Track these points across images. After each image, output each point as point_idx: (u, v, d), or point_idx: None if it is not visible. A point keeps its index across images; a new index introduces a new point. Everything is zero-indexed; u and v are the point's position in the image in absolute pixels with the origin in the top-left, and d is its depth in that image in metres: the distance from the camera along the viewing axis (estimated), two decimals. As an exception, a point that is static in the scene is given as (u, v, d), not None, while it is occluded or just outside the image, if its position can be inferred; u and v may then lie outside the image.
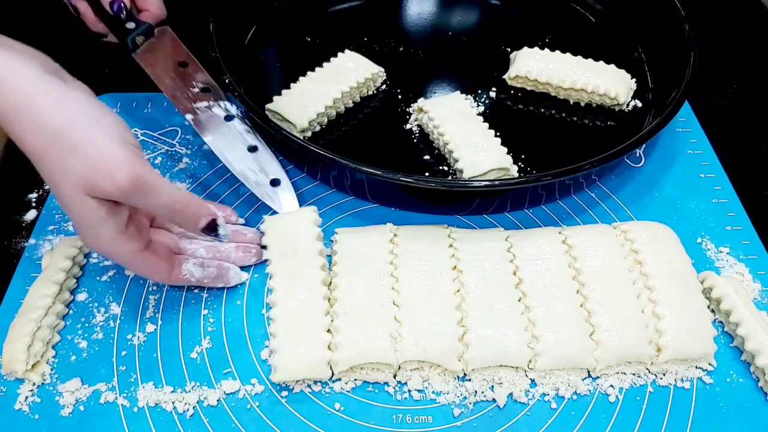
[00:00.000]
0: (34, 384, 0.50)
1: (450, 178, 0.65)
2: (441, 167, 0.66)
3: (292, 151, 0.66)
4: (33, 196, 0.65)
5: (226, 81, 0.63)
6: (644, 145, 0.69)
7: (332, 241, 0.59)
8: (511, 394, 0.51)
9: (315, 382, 0.51)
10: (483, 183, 0.60)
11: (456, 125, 0.65)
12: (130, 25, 0.64)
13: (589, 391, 0.51)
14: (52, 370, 0.52)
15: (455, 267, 0.56)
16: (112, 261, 0.58)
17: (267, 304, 0.56)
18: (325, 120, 0.70)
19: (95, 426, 0.49)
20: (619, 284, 0.54)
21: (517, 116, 0.72)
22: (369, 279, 0.54)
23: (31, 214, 0.63)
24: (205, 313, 0.55)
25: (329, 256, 0.59)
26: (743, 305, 0.53)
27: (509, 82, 0.75)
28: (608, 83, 0.71)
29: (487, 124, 0.66)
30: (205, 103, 0.63)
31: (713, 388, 0.52)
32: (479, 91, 0.74)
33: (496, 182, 0.60)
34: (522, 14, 0.85)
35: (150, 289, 0.57)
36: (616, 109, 0.73)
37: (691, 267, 0.57)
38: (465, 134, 0.64)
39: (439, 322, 0.51)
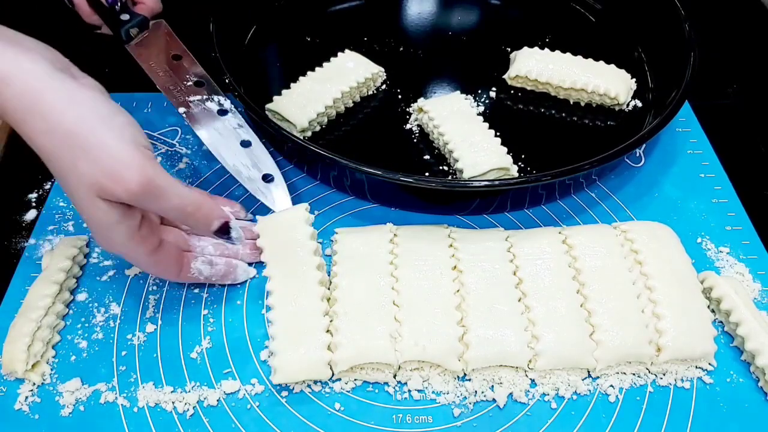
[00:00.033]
0: (34, 384, 0.50)
1: (450, 178, 0.65)
2: (441, 167, 0.66)
3: (292, 151, 0.66)
4: (33, 196, 0.65)
5: (226, 81, 0.63)
6: (644, 145, 0.69)
7: (332, 241, 0.59)
8: (511, 394, 0.51)
9: (315, 382, 0.51)
10: (483, 183, 0.60)
11: (456, 125, 0.65)
12: (125, 16, 0.64)
13: (589, 391, 0.51)
14: (52, 370, 0.51)
15: (455, 267, 0.56)
16: (113, 261, 0.58)
17: (266, 306, 0.56)
18: (325, 120, 0.70)
19: (95, 426, 0.49)
20: (619, 284, 0.54)
21: (517, 116, 0.72)
22: (369, 279, 0.54)
23: (31, 214, 0.63)
24: (205, 313, 0.55)
25: (329, 256, 0.59)
26: (743, 305, 0.53)
27: (509, 82, 0.75)
28: (608, 83, 0.71)
29: (487, 124, 0.66)
30: (198, 97, 0.63)
31: (713, 388, 0.52)
32: (479, 91, 0.74)
33: (496, 182, 0.60)
34: (522, 14, 0.85)
35: (150, 289, 0.57)
36: (616, 109, 0.73)
37: (691, 267, 0.57)
38: (465, 134, 0.64)
39: (439, 322, 0.51)
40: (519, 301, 0.53)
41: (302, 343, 0.50)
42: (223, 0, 0.72)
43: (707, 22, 0.85)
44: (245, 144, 0.62)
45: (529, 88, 0.75)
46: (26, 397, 0.50)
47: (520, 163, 0.66)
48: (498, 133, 0.65)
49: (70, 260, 0.56)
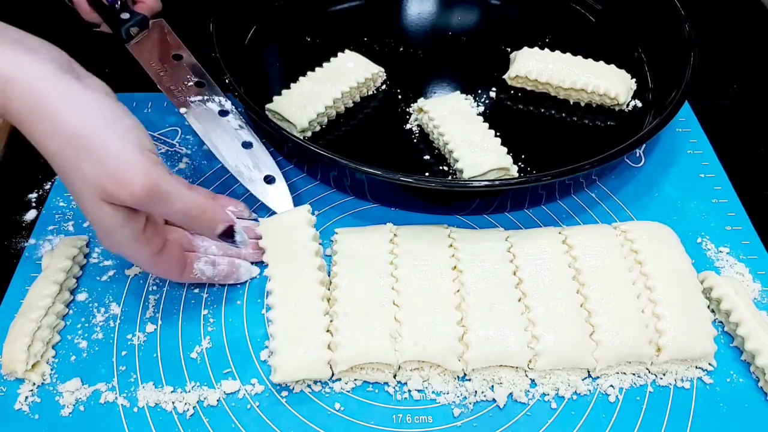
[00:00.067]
0: (34, 384, 0.50)
1: (450, 178, 0.65)
2: (441, 167, 0.66)
3: (292, 151, 0.66)
4: (33, 196, 0.65)
5: (226, 81, 0.63)
6: (644, 145, 0.69)
7: (332, 241, 0.59)
8: (511, 394, 0.51)
9: (315, 382, 0.51)
10: (483, 183, 0.60)
11: (456, 125, 0.65)
12: (125, 15, 0.64)
13: (589, 391, 0.51)
14: (52, 370, 0.51)
15: (455, 267, 0.56)
16: (113, 261, 0.58)
17: (267, 305, 0.56)
18: (325, 120, 0.70)
19: (95, 426, 0.49)
20: (619, 284, 0.54)
21: (517, 116, 0.72)
22: (369, 279, 0.54)
23: (31, 214, 0.63)
24: (205, 313, 0.55)
25: (329, 256, 0.59)
26: (743, 305, 0.53)
27: (509, 82, 0.75)
28: (608, 83, 0.71)
29: (487, 124, 0.66)
30: (199, 97, 0.63)
31: (713, 388, 0.52)
32: (479, 91, 0.74)
33: (496, 182, 0.60)
34: (522, 14, 0.85)
35: (150, 289, 0.57)
36: (616, 109, 0.73)
37: (691, 267, 0.57)
38: (465, 134, 0.64)
39: (439, 322, 0.51)
40: (519, 301, 0.53)
41: (302, 342, 0.50)
42: (223, 0, 0.72)
43: (707, 22, 0.85)
44: (246, 145, 0.62)
45: (529, 88, 0.75)
46: (26, 397, 0.50)
47: (520, 163, 0.66)
48: (498, 133, 0.65)
49: (70, 260, 0.56)
